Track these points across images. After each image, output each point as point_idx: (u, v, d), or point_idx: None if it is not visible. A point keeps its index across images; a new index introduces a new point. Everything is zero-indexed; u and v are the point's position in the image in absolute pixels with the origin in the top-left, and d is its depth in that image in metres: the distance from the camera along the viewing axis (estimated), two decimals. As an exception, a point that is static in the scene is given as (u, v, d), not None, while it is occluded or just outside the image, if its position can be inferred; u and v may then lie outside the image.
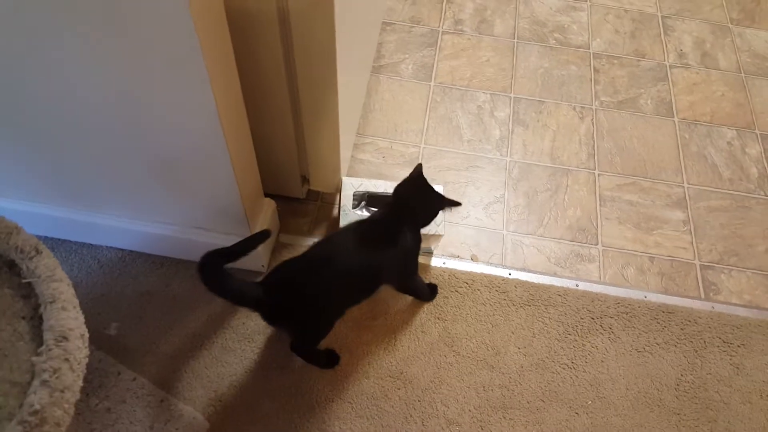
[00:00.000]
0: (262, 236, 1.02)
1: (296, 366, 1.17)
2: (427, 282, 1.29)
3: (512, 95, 1.69)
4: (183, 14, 0.72)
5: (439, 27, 1.83)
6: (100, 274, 1.27)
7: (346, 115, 1.19)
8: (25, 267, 0.86)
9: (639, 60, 1.80)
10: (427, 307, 1.27)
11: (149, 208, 1.18)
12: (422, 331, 1.24)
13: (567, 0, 1.95)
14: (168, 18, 0.74)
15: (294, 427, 1.12)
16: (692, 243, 1.44)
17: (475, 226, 1.43)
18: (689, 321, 1.29)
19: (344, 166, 1.35)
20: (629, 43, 1.85)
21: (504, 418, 1.15)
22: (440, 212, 1.16)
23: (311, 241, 1.35)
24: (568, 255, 1.40)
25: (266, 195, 1.27)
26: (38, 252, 0.87)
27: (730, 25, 1.92)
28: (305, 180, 1.36)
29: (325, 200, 1.44)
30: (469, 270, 1.34)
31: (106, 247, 1.30)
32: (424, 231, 1.17)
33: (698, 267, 1.40)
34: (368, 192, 1.29)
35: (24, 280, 0.86)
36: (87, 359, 0.83)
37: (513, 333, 1.26)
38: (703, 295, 1.36)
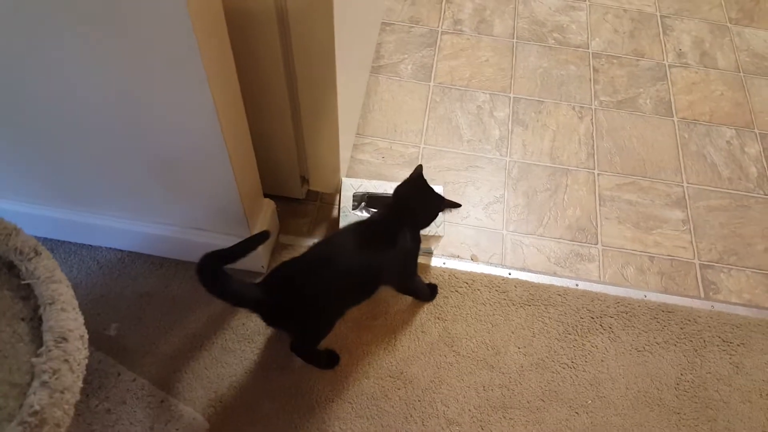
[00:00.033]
0: (261, 237, 1.02)
1: (296, 366, 1.17)
2: (427, 282, 1.29)
3: (511, 95, 1.69)
4: (181, 14, 0.73)
5: (438, 27, 1.83)
6: (100, 275, 1.27)
7: (345, 116, 1.19)
8: (25, 268, 0.86)
9: (638, 59, 1.80)
10: (427, 307, 1.27)
11: (149, 208, 1.18)
12: (422, 331, 1.24)
13: (566, 0, 1.95)
14: (166, 17, 0.74)
15: (294, 428, 1.12)
16: (692, 242, 1.44)
17: (474, 226, 1.43)
18: (689, 320, 1.29)
19: (344, 167, 1.35)
20: (628, 43, 1.85)
21: (504, 417, 1.15)
22: (440, 213, 1.16)
23: (311, 241, 1.35)
24: (568, 255, 1.40)
25: (266, 195, 1.27)
26: (37, 253, 0.87)
27: (728, 25, 1.92)
28: (305, 180, 1.36)
29: (325, 201, 1.44)
30: (469, 270, 1.34)
31: (106, 248, 1.30)
32: (423, 232, 1.17)
33: (698, 266, 1.40)
34: (368, 193, 1.29)
35: (23, 282, 0.86)
36: (87, 360, 0.82)
37: (513, 333, 1.26)
38: (702, 295, 1.36)
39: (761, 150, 1.62)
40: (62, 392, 0.76)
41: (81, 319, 0.85)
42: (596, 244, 1.42)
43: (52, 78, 0.88)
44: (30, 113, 0.97)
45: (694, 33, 1.89)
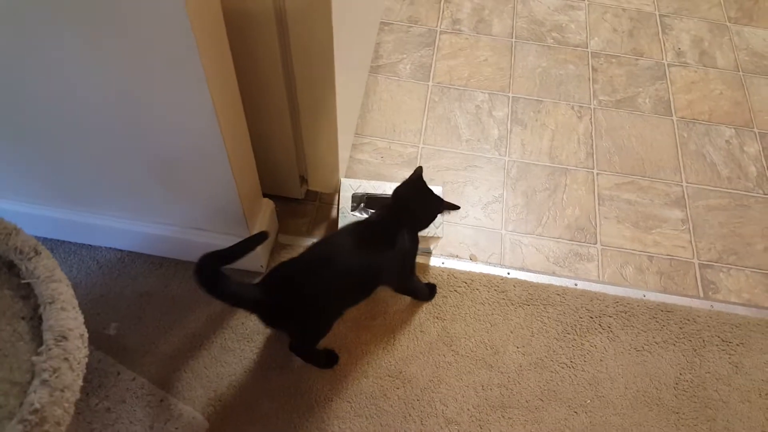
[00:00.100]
0: (260, 238, 1.02)
1: (295, 366, 1.18)
2: (426, 281, 1.29)
3: (510, 95, 1.69)
4: (180, 14, 0.73)
5: (437, 27, 1.83)
6: (99, 274, 1.27)
7: (344, 115, 1.19)
8: (25, 268, 0.86)
9: (637, 59, 1.81)
10: (426, 307, 1.28)
11: (148, 208, 1.18)
12: (421, 331, 1.24)
13: (565, -1, 1.95)
14: (165, 17, 0.74)
15: (293, 427, 1.12)
16: (691, 242, 1.44)
17: (473, 226, 1.43)
18: (688, 320, 1.30)
19: (343, 167, 1.35)
20: (627, 42, 1.85)
21: (503, 417, 1.16)
22: (439, 215, 1.16)
23: (310, 241, 1.35)
24: (567, 254, 1.40)
25: (265, 195, 1.28)
26: (37, 253, 0.87)
27: (728, 24, 1.92)
28: (304, 180, 1.36)
29: (324, 200, 1.44)
30: (467, 269, 1.34)
31: (105, 247, 1.31)
32: (422, 233, 1.17)
33: (697, 266, 1.41)
34: (367, 194, 1.29)
35: (23, 281, 0.86)
36: (86, 359, 0.83)
37: (512, 332, 1.26)
38: (701, 294, 1.36)
39: (760, 149, 1.62)
40: (62, 391, 0.76)
41: (81, 318, 0.85)
42: (595, 243, 1.42)
43: (52, 78, 0.88)
44: (30, 113, 0.97)
45: (693, 32, 1.89)
